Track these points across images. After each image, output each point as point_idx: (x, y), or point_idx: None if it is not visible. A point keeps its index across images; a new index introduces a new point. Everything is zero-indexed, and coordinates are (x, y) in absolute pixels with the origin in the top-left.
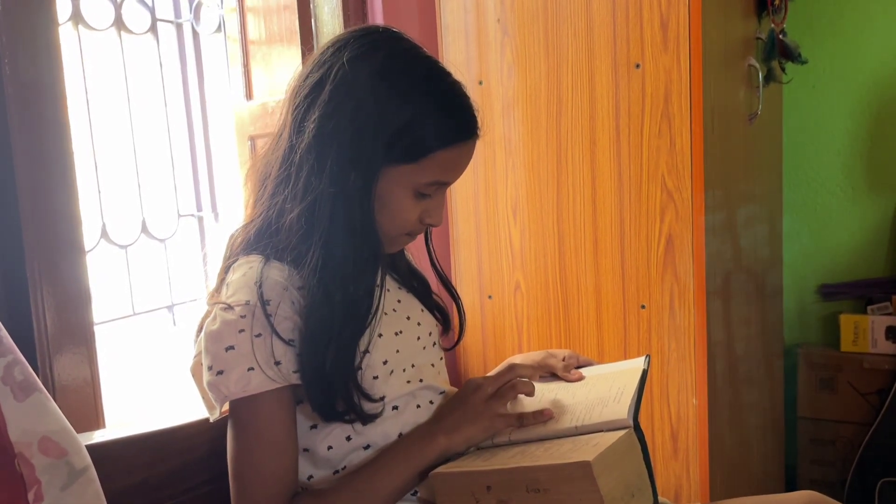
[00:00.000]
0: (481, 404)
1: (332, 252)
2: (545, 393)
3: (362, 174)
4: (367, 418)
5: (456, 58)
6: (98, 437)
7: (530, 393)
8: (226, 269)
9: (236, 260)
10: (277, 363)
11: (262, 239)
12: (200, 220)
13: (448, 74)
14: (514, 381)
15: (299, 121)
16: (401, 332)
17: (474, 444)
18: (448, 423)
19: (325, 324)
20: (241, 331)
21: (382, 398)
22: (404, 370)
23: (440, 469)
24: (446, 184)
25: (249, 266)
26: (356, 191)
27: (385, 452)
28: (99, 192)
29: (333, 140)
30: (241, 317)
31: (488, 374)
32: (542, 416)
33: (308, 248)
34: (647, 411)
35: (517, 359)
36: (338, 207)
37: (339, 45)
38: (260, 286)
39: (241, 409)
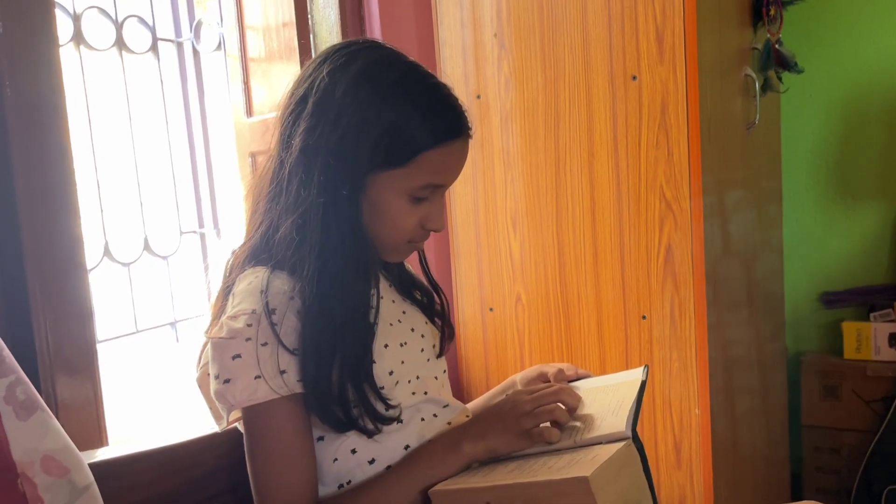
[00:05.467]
0: (513, 420)
1: (325, 262)
2: None
3: (350, 182)
4: (384, 420)
5: (454, 72)
6: (101, 455)
7: (564, 423)
8: (226, 291)
9: (242, 272)
10: (283, 372)
11: (259, 254)
12: (202, 236)
13: (430, 76)
14: (552, 406)
15: (287, 137)
16: (405, 343)
17: (496, 456)
18: (476, 428)
19: (324, 335)
20: (248, 339)
21: (399, 405)
22: (409, 381)
23: (439, 487)
24: (441, 186)
25: (255, 276)
26: (345, 199)
27: (406, 460)
28: (101, 210)
29: (319, 151)
30: (248, 325)
31: (532, 387)
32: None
33: (302, 258)
34: (650, 422)
35: (517, 377)
36: (328, 217)
37: (321, 60)
38: (265, 295)
39: (253, 419)
